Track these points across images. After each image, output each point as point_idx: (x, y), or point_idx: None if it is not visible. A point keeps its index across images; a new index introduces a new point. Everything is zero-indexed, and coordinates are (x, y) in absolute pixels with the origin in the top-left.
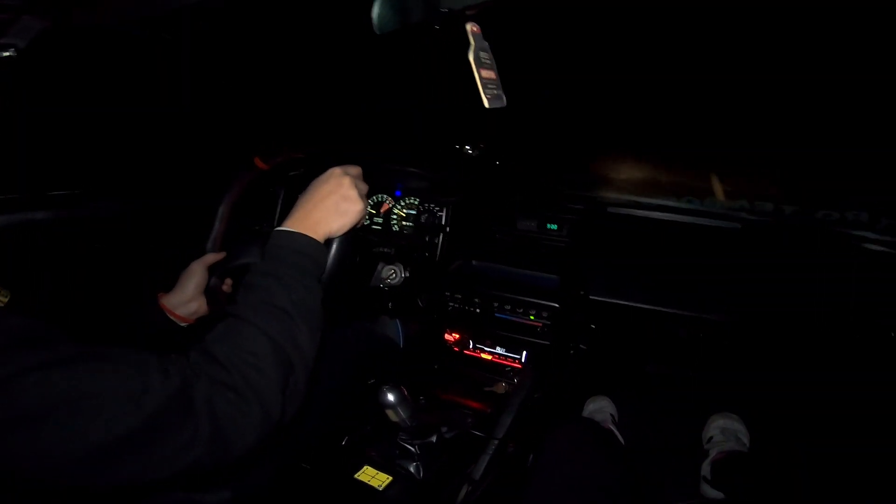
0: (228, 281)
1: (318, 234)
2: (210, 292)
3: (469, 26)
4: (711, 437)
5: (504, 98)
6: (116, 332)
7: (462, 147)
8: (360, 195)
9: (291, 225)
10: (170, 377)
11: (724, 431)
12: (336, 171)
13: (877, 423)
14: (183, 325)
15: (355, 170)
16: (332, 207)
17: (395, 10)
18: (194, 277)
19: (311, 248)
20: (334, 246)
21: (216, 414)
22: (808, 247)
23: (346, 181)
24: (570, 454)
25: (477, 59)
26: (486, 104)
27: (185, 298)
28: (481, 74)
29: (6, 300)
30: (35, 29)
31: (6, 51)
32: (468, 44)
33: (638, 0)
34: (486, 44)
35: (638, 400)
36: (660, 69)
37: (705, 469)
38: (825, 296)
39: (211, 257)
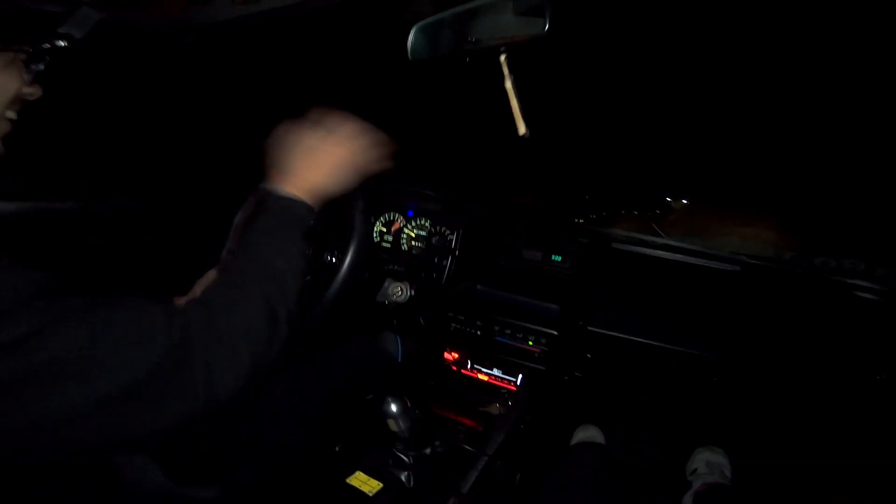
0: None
1: (301, 193)
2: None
3: (503, 58)
4: (696, 469)
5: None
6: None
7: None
8: (356, 147)
9: (287, 187)
10: (173, 328)
11: (708, 464)
12: (306, 124)
13: (858, 465)
14: None
15: (349, 121)
16: (317, 169)
17: (429, 41)
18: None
19: (306, 212)
20: (346, 264)
21: (211, 363)
22: (803, 292)
23: (328, 138)
24: (553, 485)
25: (513, 87)
26: (522, 131)
27: None
28: (519, 103)
29: None
30: (92, 20)
31: (61, 41)
32: (503, 74)
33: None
34: (513, 76)
35: (626, 430)
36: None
37: (687, 500)
38: (817, 339)
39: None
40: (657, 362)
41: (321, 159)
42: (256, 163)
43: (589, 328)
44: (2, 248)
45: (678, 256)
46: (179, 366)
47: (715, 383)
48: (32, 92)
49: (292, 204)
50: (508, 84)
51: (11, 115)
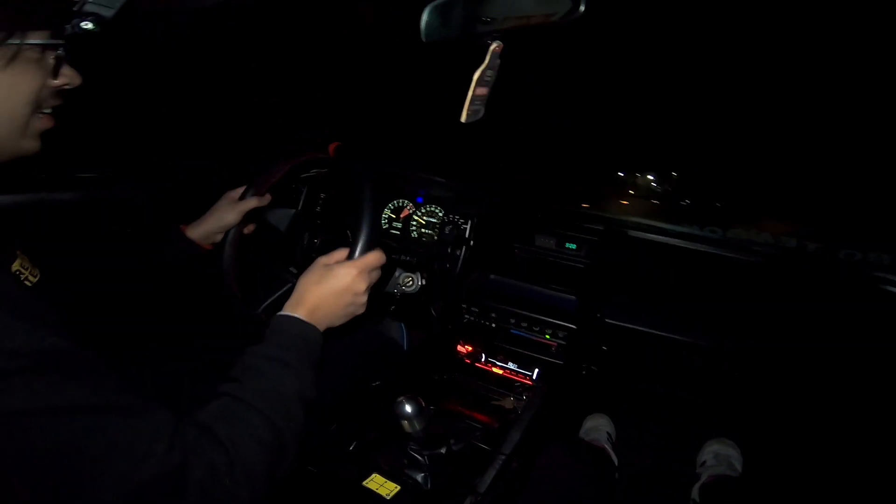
0: (251, 226)
1: (321, 326)
2: (230, 235)
3: (493, 45)
4: (704, 462)
5: (482, 112)
6: (138, 266)
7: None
8: (368, 289)
9: (298, 312)
10: (172, 451)
11: (717, 456)
12: (355, 272)
13: (871, 460)
14: (203, 250)
15: (375, 259)
16: (340, 312)
17: (444, 21)
18: (227, 216)
19: (317, 341)
20: (357, 252)
21: (206, 496)
22: (827, 285)
23: (362, 287)
24: (553, 476)
25: (480, 77)
26: (464, 119)
27: (211, 231)
28: (475, 92)
29: (36, 279)
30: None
31: (88, 22)
32: (482, 61)
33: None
34: (498, 62)
35: (637, 420)
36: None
37: (695, 492)
38: (839, 333)
39: (253, 202)
40: (675, 355)
41: (345, 303)
42: (257, 148)
43: (607, 320)
44: (14, 241)
45: (697, 245)
46: (170, 491)
47: (732, 375)
48: (66, 81)
49: (312, 333)
50: (478, 72)
51: (47, 109)
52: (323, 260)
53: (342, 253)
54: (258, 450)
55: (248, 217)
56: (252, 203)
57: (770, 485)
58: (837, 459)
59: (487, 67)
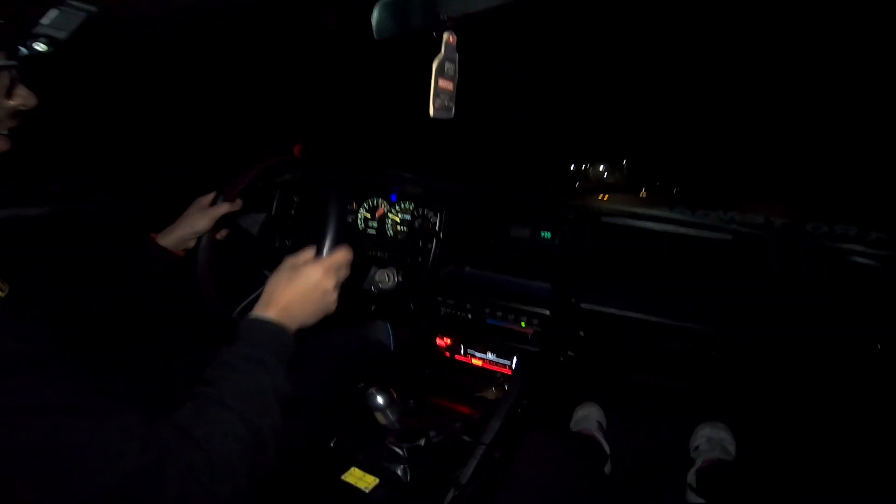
0: (223, 231)
1: (292, 325)
2: (202, 241)
3: (447, 35)
4: (697, 446)
5: (453, 111)
6: (112, 276)
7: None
8: (338, 286)
9: (269, 312)
10: (147, 451)
11: (710, 440)
12: (323, 271)
13: (860, 433)
14: (172, 256)
15: (344, 256)
16: (310, 310)
17: (394, 16)
18: (199, 222)
19: (288, 340)
20: (325, 251)
21: (184, 495)
22: (796, 259)
23: (331, 285)
24: (542, 466)
25: (440, 68)
26: (432, 113)
27: (183, 238)
28: (438, 84)
29: (4, 294)
30: (80, 17)
31: (40, 44)
32: (437, 52)
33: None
34: (457, 55)
35: (627, 408)
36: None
37: (691, 477)
38: (813, 307)
39: (224, 207)
40: (653, 338)
41: (314, 301)
42: (231, 158)
43: (582, 305)
44: None
45: (668, 227)
46: (146, 490)
47: (713, 358)
48: (22, 102)
49: (283, 333)
50: (435, 62)
51: (3, 131)
52: (290, 260)
53: (310, 252)
54: (236, 447)
55: (220, 223)
56: (223, 209)
57: (764, 465)
58: (828, 436)
59: (445, 59)
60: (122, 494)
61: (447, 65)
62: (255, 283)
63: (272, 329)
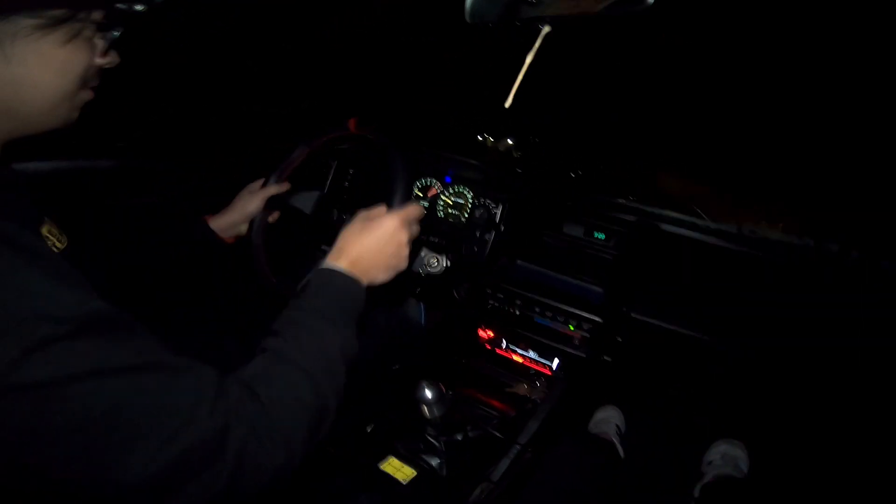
0: (276, 214)
1: (363, 279)
2: (256, 221)
3: (545, 29)
4: (711, 461)
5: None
6: (164, 253)
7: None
8: (410, 242)
9: (342, 264)
10: (215, 413)
11: (724, 456)
12: (396, 222)
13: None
14: (226, 244)
15: (415, 211)
16: (383, 263)
17: (489, 1)
18: (250, 204)
19: (360, 295)
20: None
21: (243, 458)
22: (869, 295)
23: (403, 238)
24: (561, 467)
25: (530, 62)
26: (508, 105)
27: (235, 221)
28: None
29: (63, 246)
30: None
31: (139, 4)
32: (532, 46)
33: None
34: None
35: (647, 414)
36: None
37: (696, 490)
38: (867, 343)
39: (273, 188)
40: (696, 356)
41: (388, 254)
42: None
43: (632, 315)
44: (43, 207)
45: (732, 245)
46: (211, 453)
47: (753, 382)
48: (109, 61)
49: (354, 286)
50: (530, 56)
51: (91, 84)
52: (363, 213)
53: (381, 208)
54: (299, 411)
55: (272, 205)
56: (273, 189)
57: (774, 489)
58: (848, 471)
59: (535, 53)
60: (189, 456)
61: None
62: (313, 260)
63: (342, 281)
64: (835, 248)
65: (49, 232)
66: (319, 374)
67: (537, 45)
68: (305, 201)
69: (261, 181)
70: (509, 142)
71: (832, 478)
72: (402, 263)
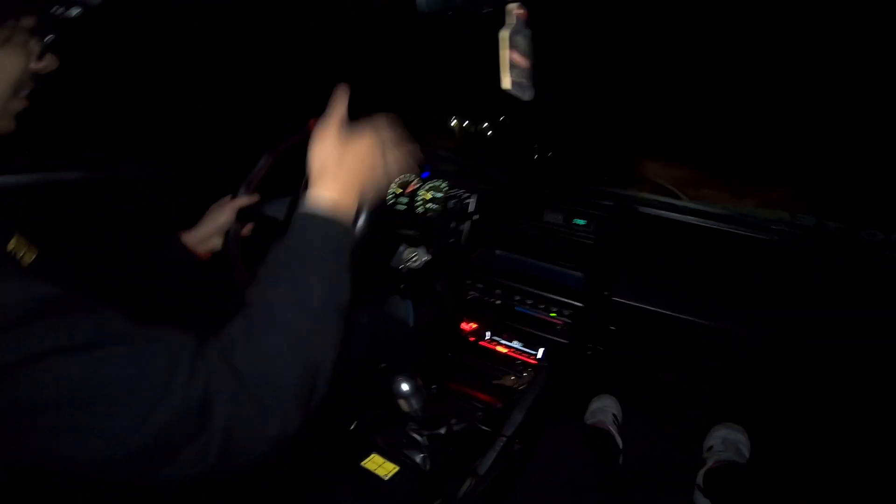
0: (249, 225)
1: (353, 203)
2: (230, 233)
3: (513, 7)
4: (711, 447)
5: (531, 91)
6: (136, 270)
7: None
8: (390, 150)
9: (327, 194)
10: (193, 381)
11: (724, 441)
12: (367, 129)
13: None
14: (200, 260)
15: (385, 117)
16: (372, 174)
17: None
18: (221, 217)
19: (346, 229)
20: (358, 226)
21: (231, 432)
22: (847, 268)
23: (386, 137)
24: (557, 458)
25: (512, 40)
26: (506, 85)
27: (206, 235)
28: (512, 57)
29: (33, 257)
30: None
31: (74, 7)
32: (504, 22)
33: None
34: (529, 32)
35: (644, 402)
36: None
37: (699, 477)
38: (856, 321)
39: (243, 200)
40: (685, 337)
41: (376, 165)
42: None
43: (614, 298)
44: (12, 222)
45: (711, 223)
46: (194, 425)
47: (743, 360)
48: (46, 65)
49: (338, 225)
50: (506, 32)
51: (23, 93)
52: (321, 130)
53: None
54: (283, 372)
55: (244, 217)
56: (243, 201)
57: (778, 472)
58: (849, 450)
59: (515, 32)
60: (169, 433)
61: (518, 38)
62: None
63: (324, 221)
64: (811, 222)
65: (17, 246)
66: (304, 328)
67: (513, 23)
68: (277, 209)
69: (230, 196)
70: (484, 125)
71: (835, 457)
72: (391, 168)
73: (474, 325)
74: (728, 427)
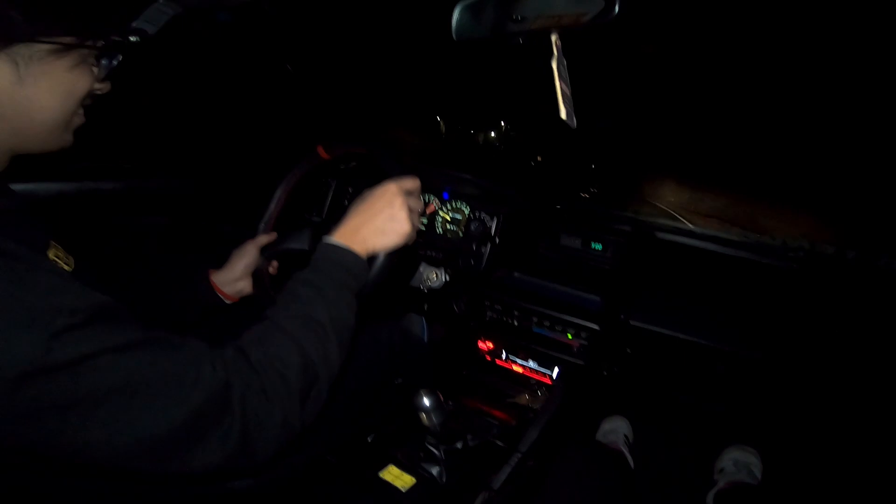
0: (275, 263)
1: (363, 250)
2: (256, 273)
3: (554, 37)
4: (723, 468)
5: (574, 119)
6: (168, 307)
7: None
8: (410, 216)
9: (339, 237)
10: (216, 371)
11: (736, 463)
12: (391, 187)
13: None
14: (228, 302)
15: (412, 183)
16: (380, 227)
17: (474, 19)
18: (245, 257)
19: (355, 265)
20: (381, 256)
21: (246, 414)
22: (865, 296)
23: (398, 201)
24: (570, 477)
25: (559, 70)
26: (563, 115)
27: (234, 277)
28: (561, 87)
29: (70, 268)
30: (167, 15)
31: (134, 35)
32: (551, 53)
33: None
34: (565, 60)
35: (655, 423)
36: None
37: (710, 498)
38: (872, 348)
39: (263, 238)
40: (699, 361)
41: (385, 217)
42: (301, 142)
43: (631, 322)
44: (49, 231)
45: (728, 250)
46: (219, 408)
47: (760, 384)
48: (102, 88)
49: (347, 255)
50: (554, 63)
51: (82, 109)
52: (390, 184)
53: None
54: (285, 370)
55: (267, 254)
56: (263, 239)
57: (789, 495)
58: (862, 476)
59: (559, 61)
60: (202, 414)
61: (562, 68)
62: None
63: (333, 252)
64: (830, 251)
65: (56, 255)
66: (305, 338)
67: (555, 53)
68: (300, 240)
69: (249, 240)
70: (492, 134)
71: (847, 479)
72: (404, 226)
73: (491, 345)
74: (741, 449)
